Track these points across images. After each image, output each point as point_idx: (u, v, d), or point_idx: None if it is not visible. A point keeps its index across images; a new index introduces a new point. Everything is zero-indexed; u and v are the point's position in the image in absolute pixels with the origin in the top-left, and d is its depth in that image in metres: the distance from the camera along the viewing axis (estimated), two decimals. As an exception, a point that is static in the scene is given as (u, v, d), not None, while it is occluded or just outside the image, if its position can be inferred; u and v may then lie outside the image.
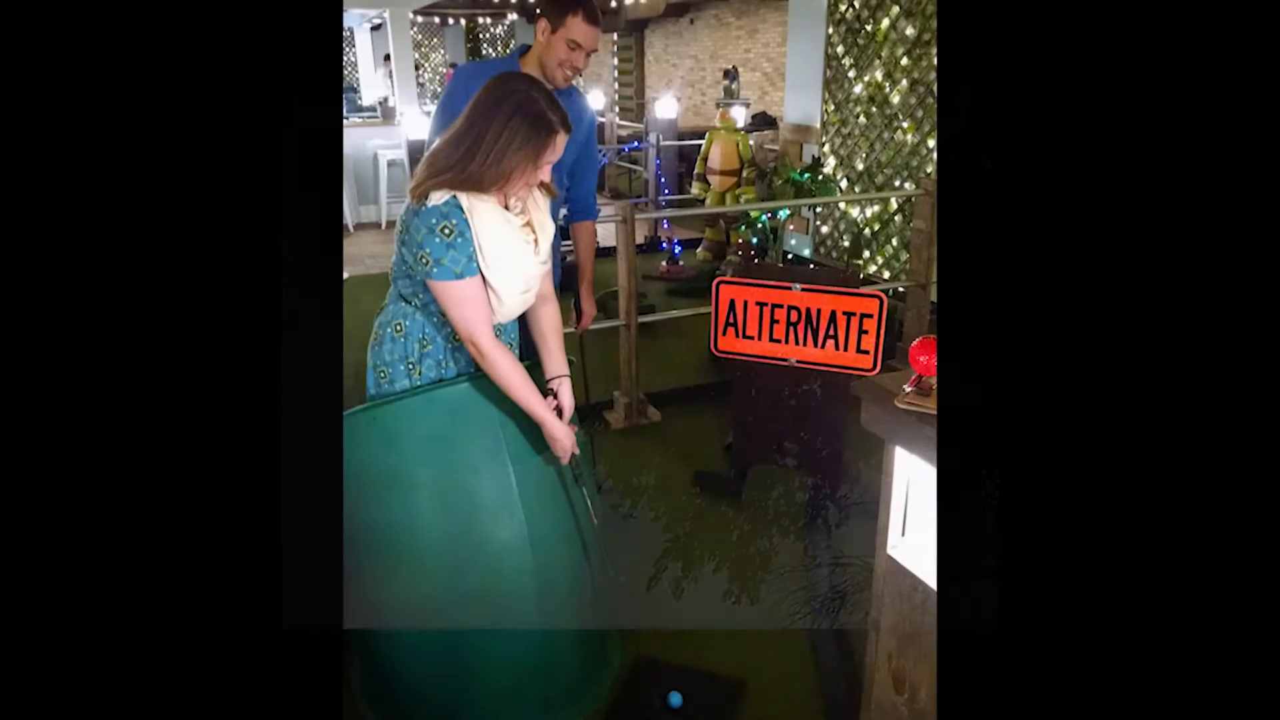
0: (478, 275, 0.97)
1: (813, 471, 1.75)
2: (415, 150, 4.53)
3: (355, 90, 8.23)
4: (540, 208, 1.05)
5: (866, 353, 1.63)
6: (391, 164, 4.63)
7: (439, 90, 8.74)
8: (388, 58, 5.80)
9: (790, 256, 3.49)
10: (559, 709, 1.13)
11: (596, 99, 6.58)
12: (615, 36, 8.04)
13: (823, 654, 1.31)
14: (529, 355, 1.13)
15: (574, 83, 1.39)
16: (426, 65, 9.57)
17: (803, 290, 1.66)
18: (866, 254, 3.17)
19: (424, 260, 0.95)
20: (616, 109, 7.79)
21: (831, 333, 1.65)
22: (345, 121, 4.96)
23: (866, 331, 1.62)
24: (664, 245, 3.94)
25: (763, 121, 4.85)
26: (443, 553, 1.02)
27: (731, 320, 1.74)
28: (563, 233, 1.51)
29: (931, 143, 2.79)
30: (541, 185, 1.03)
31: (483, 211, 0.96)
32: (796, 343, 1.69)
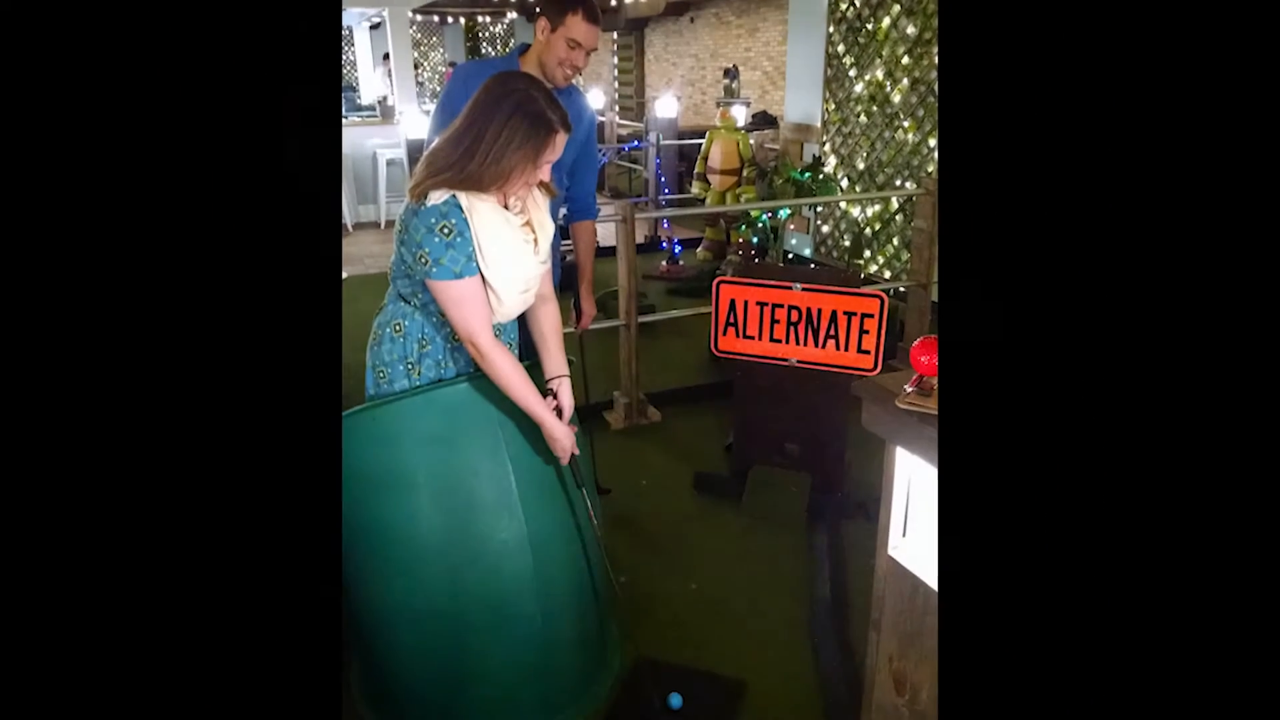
0: (477, 275, 0.97)
1: (813, 472, 1.75)
2: (414, 149, 4.54)
3: (354, 89, 8.24)
4: (540, 207, 1.05)
5: (867, 353, 1.63)
6: (390, 163, 4.63)
7: (438, 89, 8.74)
8: (386, 56, 5.80)
9: (791, 256, 3.49)
10: (559, 710, 1.13)
11: (596, 98, 6.58)
12: (615, 35, 8.04)
13: (823, 655, 1.31)
14: (528, 355, 1.13)
15: (574, 81, 1.38)
16: (425, 64, 9.57)
17: (803, 290, 1.66)
18: (867, 253, 3.17)
19: (423, 260, 0.95)
20: (616, 108, 7.79)
21: (832, 333, 1.65)
22: (344, 120, 4.97)
23: (867, 331, 1.62)
24: (664, 245, 3.94)
25: (763, 120, 4.85)
26: (442, 553, 1.02)
27: (732, 320, 1.74)
28: (562, 232, 1.51)
29: (933, 142, 2.79)
30: (541, 184, 1.03)
31: (482, 211, 0.96)
32: (797, 343, 1.69)
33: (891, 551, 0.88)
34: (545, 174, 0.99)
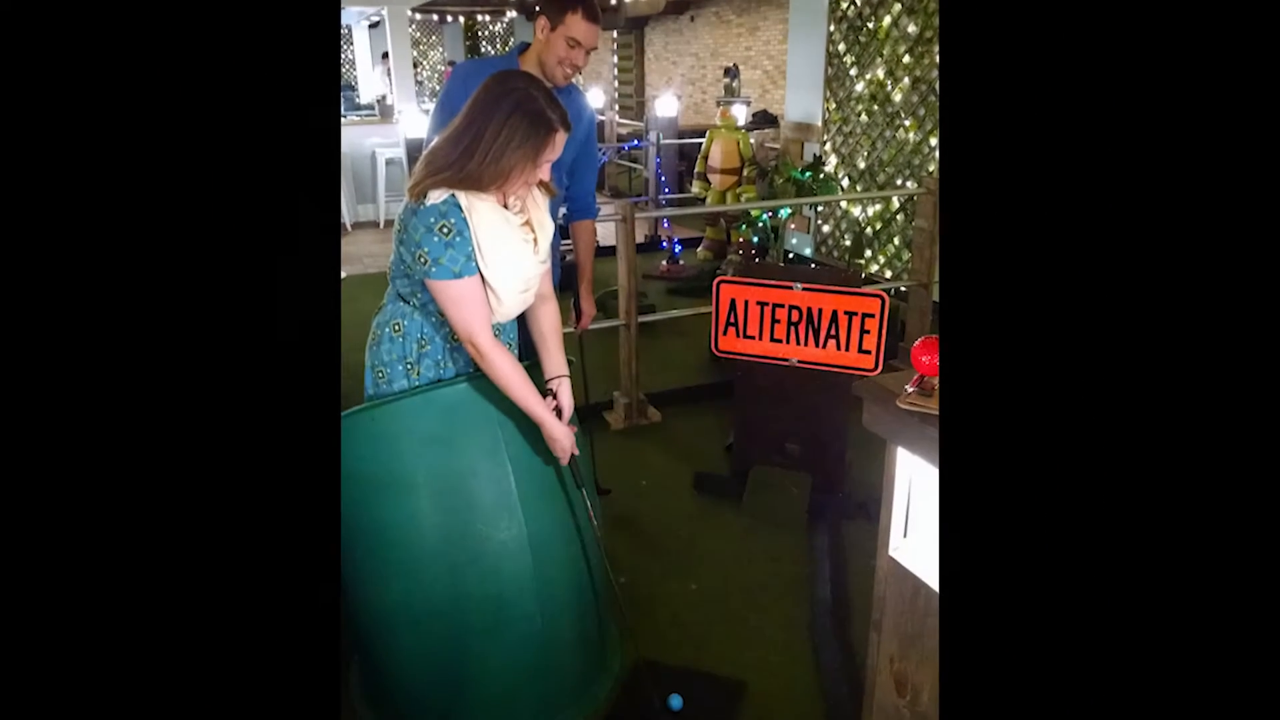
0: (476, 274, 0.96)
1: (814, 472, 1.74)
2: (413, 149, 4.52)
3: (353, 88, 8.23)
4: (539, 206, 1.05)
5: (868, 353, 1.63)
6: (389, 162, 4.62)
7: (437, 88, 8.74)
8: (385, 55, 5.80)
9: (791, 256, 3.48)
10: (558, 711, 1.13)
11: (596, 97, 6.58)
12: (615, 34, 8.03)
13: (824, 656, 1.31)
14: (528, 355, 1.12)
15: (573, 80, 1.38)
16: (425, 63, 9.56)
17: (804, 290, 1.66)
18: (868, 253, 3.16)
19: (422, 259, 0.95)
20: (616, 107, 7.79)
21: (833, 333, 1.65)
22: (343, 120, 4.96)
23: (868, 331, 1.62)
24: (664, 244, 3.94)
25: (764, 119, 4.85)
26: (441, 554, 1.01)
27: (732, 320, 1.73)
28: (562, 232, 1.50)
29: (934, 141, 2.79)
30: (541, 184, 1.02)
31: (481, 210, 0.95)
32: (798, 343, 1.68)
33: (892, 552, 0.88)
34: (545, 173, 0.99)
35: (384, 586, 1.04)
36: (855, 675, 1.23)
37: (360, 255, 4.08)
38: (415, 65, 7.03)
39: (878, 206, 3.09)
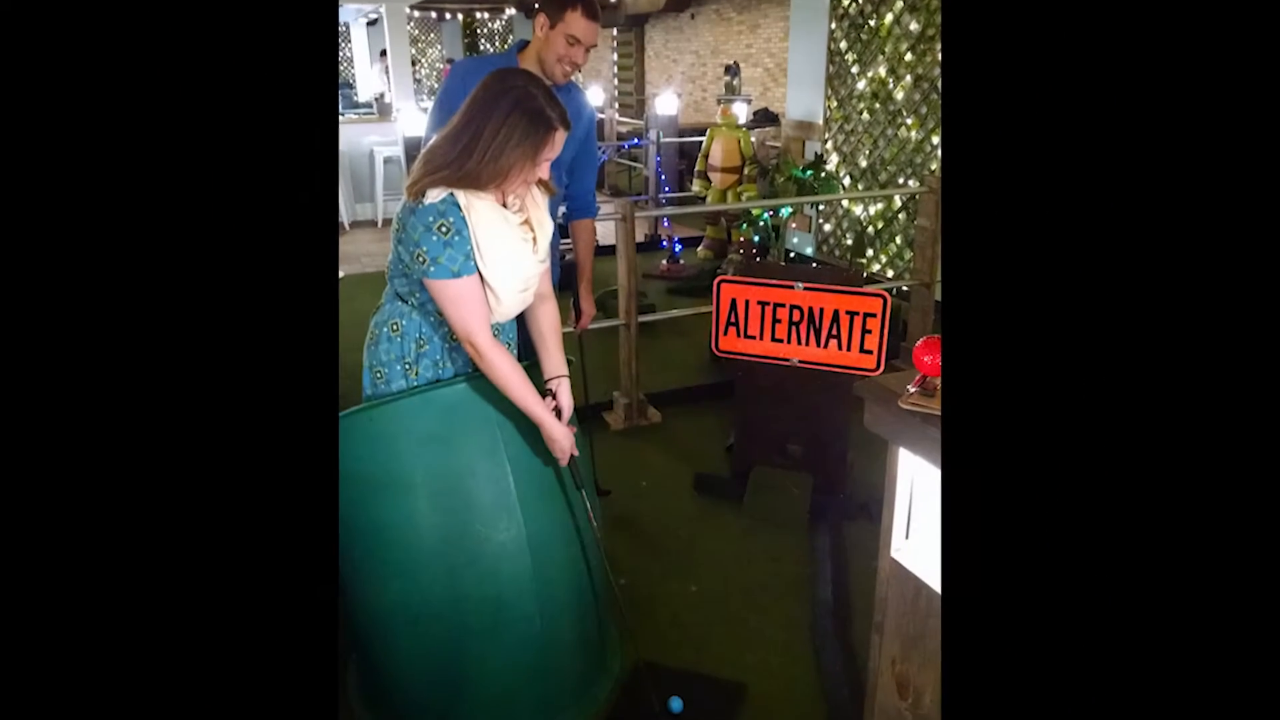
0: (475, 274, 0.96)
1: (815, 473, 1.74)
2: (412, 147, 4.52)
3: (351, 86, 8.22)
4: (539, 205, 1.04)
5: (870, 353, 1.62)
6: (388, 161, 4.62)
7: (435, 86, 8.71)
8: (384, 53, 5.78)
9: (792, 255, 3.48)
10: (557, 713, 1.12)
11: (596, 95, 6.57)
12: (615, 31, 8.01)
13: (825, 658, 1.30)
14: (527, 355, 1.12)
15: (573, 78, 1.37)
16: (423, 61, 9.54)
17: (805, 289, 1.65)
18: (870, 252, 3.16)
19: (421, 258, 0.94)
20: (616, 105, 7.77)
21: (834, 332, 1.64)
22: (341, 118, 4.95)
23: (870, 331, 1.61)
24: (664, 243, 3.93)
25: (764, 118, 4.83)
26: (440, 555, 1.01)
27: (733, 320, 1.73)
28: (561, 231, 1.50)
29: (935, 139, 2.78)
30: (540, 182, 1.02)
31: (480, 209, 0.95)
32: (799, 342, 1.68)
33: (894, 553, 0.87)
34: (544, 172, 0.99)
35: (382, 587, 1.03)
36: (857, 677, 1.23)
37: (358, 254, 4.07)
38: (413, 63, 7.01)
39: (879, 205, 3.08)
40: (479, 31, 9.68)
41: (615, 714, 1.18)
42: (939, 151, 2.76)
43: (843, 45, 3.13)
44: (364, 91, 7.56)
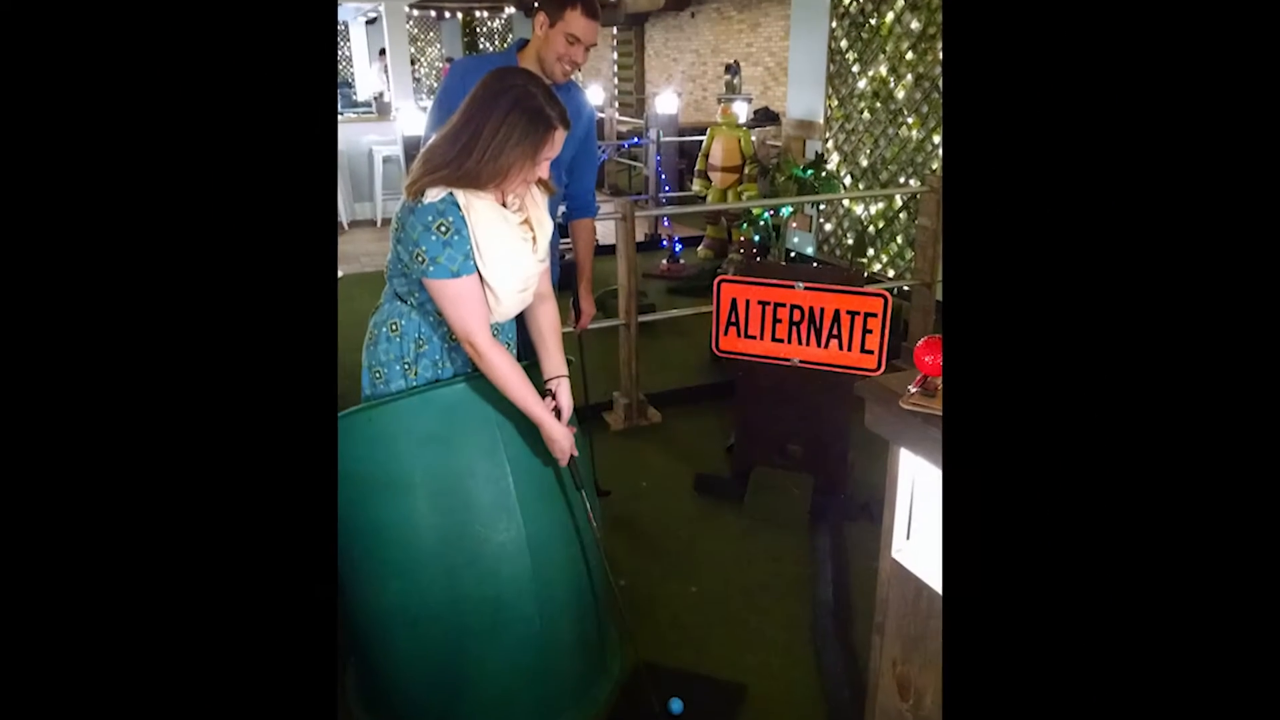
0: (474, 273, 0.96)
1: (816, 473, 1.73)
2: (411, 146, 4.51)
3: (350, 85, 8.21)
4: (538, 205, 1.04)
5: (871, 353, 1.62)
6: (387, 160, 4.61)
7: (435, 85, 8.70)
8: (383, 52, 5.77)
9: (793, 255, 3.47)
10: (557, 714, 1.12)
11: (596, 94, 6.57)
12: (615, 30, 8.00)
13: (826, 659, 1.30)
14: (527, 355, 1.11)
15: (573, 77, 1.37)
16: (422, 60, 9.53)
17: (806, 289, 1.65)
18: (871, 252, 3.15)
19: (420, 258, 0.94)
20: (616, 104, 7.76)
21: (835, 332, 1.64)
22: (340, 117, 4.95)
23: (871, 331, 1.61)
24: (664, 243, 3.92)
25: (765, 117, 4.83)
26: (439, 555, 1.01)
27: (733, 319, 1.73)
28: (561, 230, 1.49)
29: (936, 138, 2.77)
30: (540, 182, 1.01)
31: (480, 209, 0.95)
32: (799, 342, 1.67)
33: (895, 554, 0.87)
34: (544, 171, 0.98)
35: (381, 587, 1.03)
36: (857, 678, 1.22)
37: (357, 254, 4.07)
38: (413, 62, 6.99)
39: (880, 205, 3.08)
40: (478, 30, 9.67)
41: (615, 715, 1.17)
42: (940, 151, 2.76)
43: (843, 44, 3.12)
44: (363, 90, 7.55)
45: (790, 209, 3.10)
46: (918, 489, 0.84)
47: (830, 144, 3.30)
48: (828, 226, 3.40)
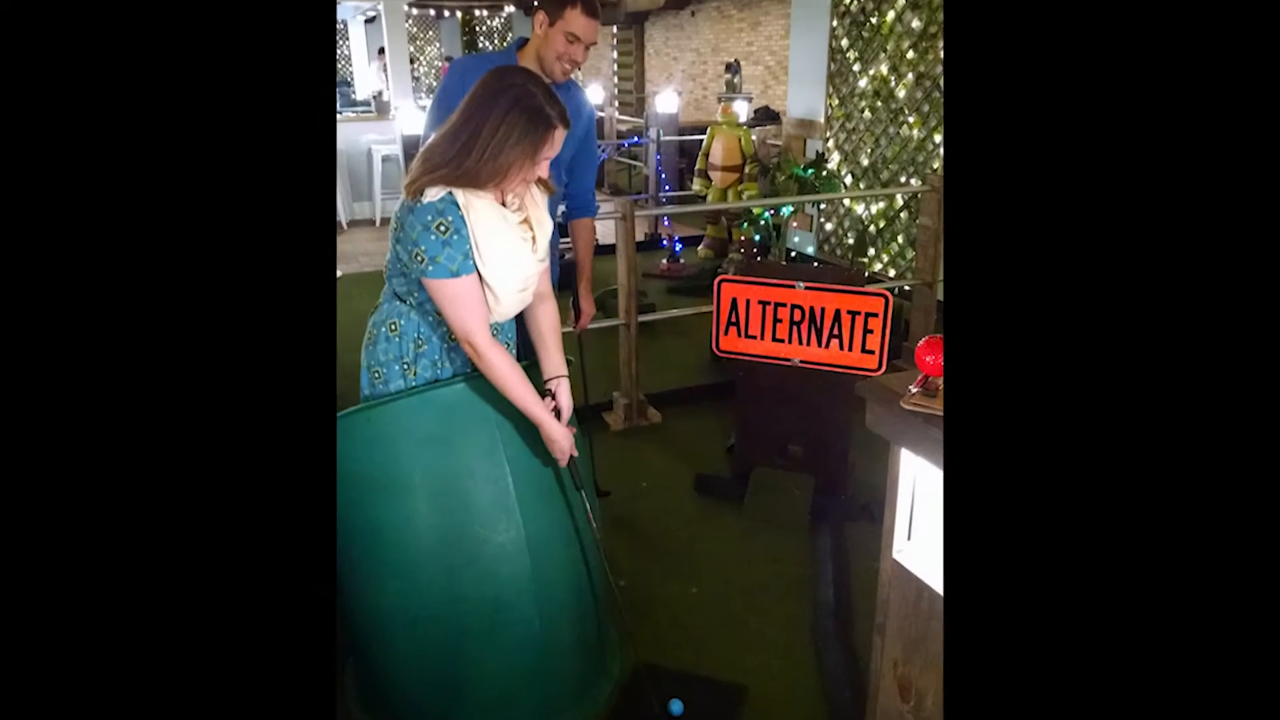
0: (474, 273, 0.95)
1: (816, 474, 1.73)
2: (410, 145, 4.50)
3: (349, 84, 8.21)
4: (538, 204, 1.04)
5: (872, 353, 1.61)
6: (386, 159, 4.61)
7: (434, 84, 8.70)
8: (382, 51, 5.77)
9: (794, 254, 3.47)
10: (557, 715, 1.12)
11: (595, 93, 6.56)
12: (615, 29, 8.00)
13: (826, 660, 1.30)
14: (526, 355, 1.11)
15: (572, 76, 1.37)
16: (422, 59, 9.52)
17: (806, 289, 1.64)
18: (871, 251, 3.15)
19: (419, 258, 0.94)
20: (616, 103, 7.75)
21: (836, 332, 1.64)
22: (338, 116, 4.94)
23: (871, 331, 1.60)
24: (664, 242, 3.92)
25: (765, 116, 4.83)
26: (438, 556, 1.00)
27: (733, 319, 1.72)
28: (561, 230, 1.49)
29: (938, 138, 2.77)
30: (539, 181, 1.01)
31: (479, 208, 0.94)
32: (800, 342, 1.67)
33: (896, 555, 0.87)
34: (543, 170, 0.98)
35: (380, 588, 1.03)
36: (858, 680, 1.22)
37: (356, 254, 4.07)
38: (412, 61, 6.99)
39: (881, 204, 3.07)
40: (477, 29, 9.66)
41: (615, 716, 1.17)
42: (941, 150, 2.75)
43: (844, 43, 3.12)
44: (362, 89, 7.55)
45: (791, 208, 3.10)
46: (919, 489, 0.83)
47: (831, 143, 3.29)
48: (828, 226, 3.39)
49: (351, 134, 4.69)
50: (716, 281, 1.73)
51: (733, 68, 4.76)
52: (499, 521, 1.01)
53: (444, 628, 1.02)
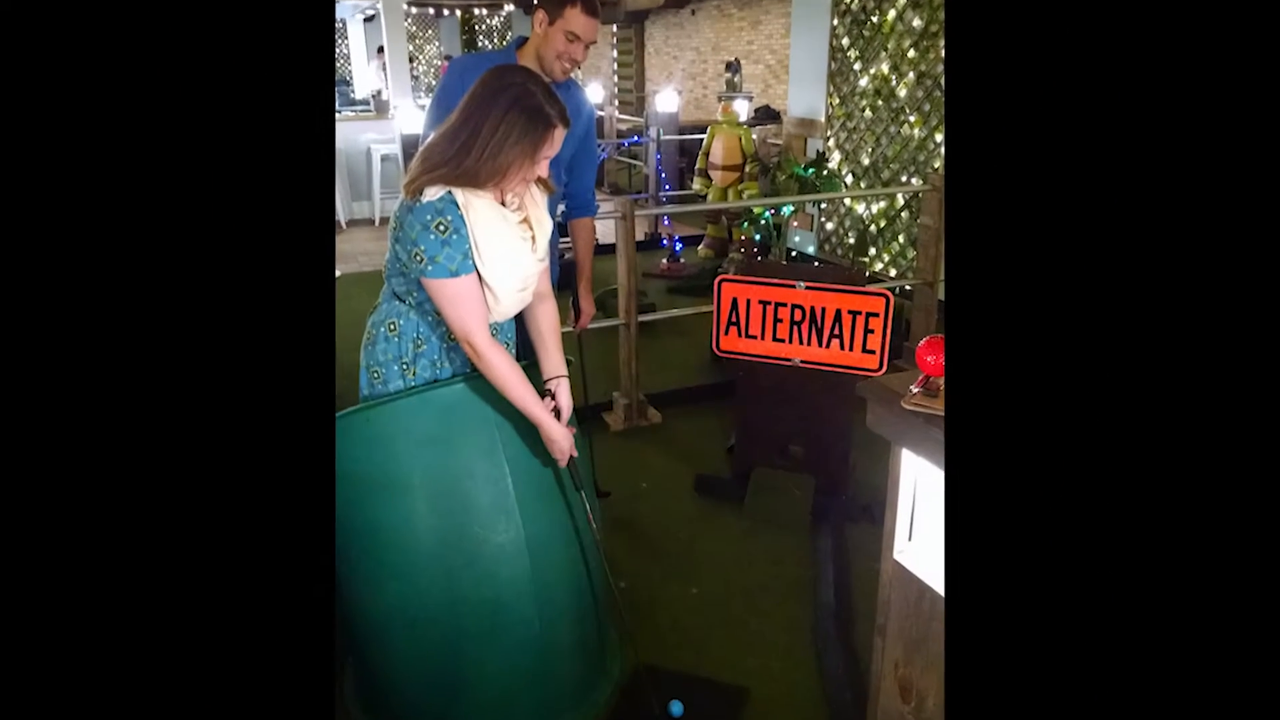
0: (473, 273, 0.95)
1: (817, 474, 1.73)
2: (409, 145, 4.49)
3: (348, 83, 8.20)
4: (538, 204, 1.03)
5: (872, 352, 1.61)
6: (385, 159, 4.61)
7: (433, 83, 8.68)
8: (381, 50, 5.77)
9: (794, 254, 3.46)
10: (556, 716, 1.12)
11: (595, 92, 6.56)
12: (615, 28, 7.99)
13: (827, 661, 1.29)
14: (526, 355, 1.11)
15: (572, 75, 1.36)
16: (421, 58, 9.51)
17: (807, 288, 1.64)
18: (872, 251, 3.15)
19: (418, 257, 0.93)
20: (616, 102, 7.75)
21: (836, 332, 1.63)
22: (337, 115, 4.94)
23: (872, 331, 1.60)
24: (664, 242, 3.92)
25: (766, 115, 4.83)
26: (437, 557, 1.00)
27: (734, 319, 1.72)
28: (561, 229, 1.49)
29: (939, 137, 2.77)
30: (539, 180, 1.01)
31: (479, 208, 0.94)
32: (801, 342, 1.67)
33: (897, 556, 0.87)
34: (543, 170, 0.98)
35: (379, 589, 1.03)
36: (859, 681, 1.22)
37: (355, 253, 4.06)
38: (411, 60, 6.97)
39: (882, 204, 3.07)
40: (477, 28, 9.65)
41: (615, 717, 1.17)
42: (942, 149, 2.75)
43: (845, 42, 3.11)
44: (361, 88, 7.54)
45: (791, 208, 3.09)
46: (920, 490, 0.83)
47: (831, 142, 3.29)
48: (829, 225, 3.39)
49: (350, 133, 4.69)
50: (717, 281, 1.73)
51: (733, 66, 4.75)
52: (498, 522, 1.01)
53: (443, 628, 1.02)
